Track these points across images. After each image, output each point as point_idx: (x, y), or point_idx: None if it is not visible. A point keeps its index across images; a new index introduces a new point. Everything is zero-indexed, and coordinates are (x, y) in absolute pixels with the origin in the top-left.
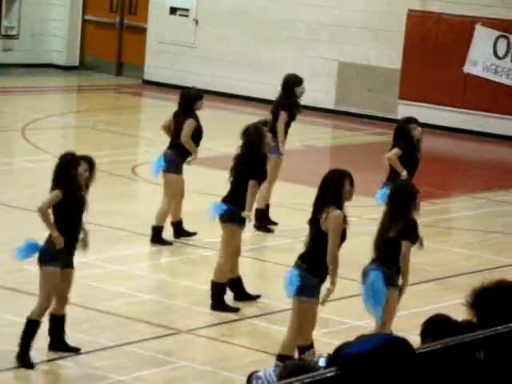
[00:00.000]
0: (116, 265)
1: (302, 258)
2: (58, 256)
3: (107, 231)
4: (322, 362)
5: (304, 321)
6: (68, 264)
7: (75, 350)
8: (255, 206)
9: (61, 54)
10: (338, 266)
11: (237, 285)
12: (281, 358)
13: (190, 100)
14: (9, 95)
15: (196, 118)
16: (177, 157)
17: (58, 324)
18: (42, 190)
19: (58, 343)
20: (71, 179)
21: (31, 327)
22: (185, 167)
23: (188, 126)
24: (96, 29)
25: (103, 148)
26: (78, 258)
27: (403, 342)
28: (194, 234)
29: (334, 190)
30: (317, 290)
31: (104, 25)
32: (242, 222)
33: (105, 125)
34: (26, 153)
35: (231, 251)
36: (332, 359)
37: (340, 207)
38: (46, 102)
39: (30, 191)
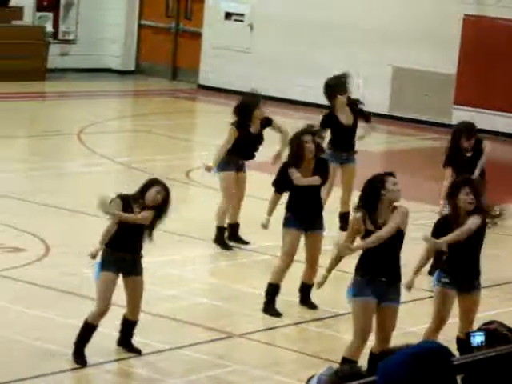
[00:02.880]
0: (170, 268)
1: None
2: (111, 261)
3: (162, 235)
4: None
5: (360, 322)
6: (131, 272)
7: (138, 352)
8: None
9: (117, 59)
10: (370, 245)
11: (304, 290)
12: (343, 361)
13: (247, 109)
14: (65, 99)
15: (244, 127)
16: (228, 155)
17: (127, 327)
18: (93, 194)
19: (126, 342)
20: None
21: (86, 330)
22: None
23: (227, 135)
24: (152, 34)
25: (158, 152)
26: None
27: (440, 355)
28: (247, 243)
29: (371, 193)
30: (367, 289)
31: (160, 30)
32: (292, 225)
33: (160, 129)
34: (82, 157)
35: (287, 253)
36: (372, 366)
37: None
38: (102, 107)
39: (85, 195)
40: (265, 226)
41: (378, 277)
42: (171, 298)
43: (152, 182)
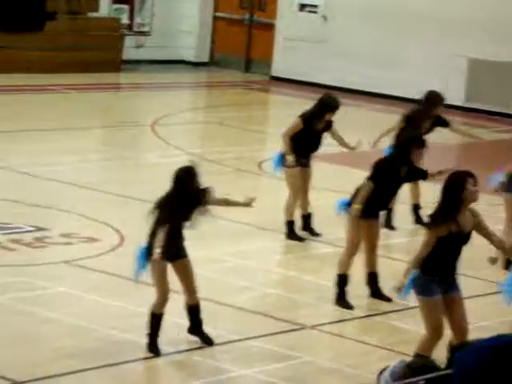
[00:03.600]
0: (241, 259)
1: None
2: (164, 251)
3: (233, 226)
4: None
5: (432, 320)
6: (178, 255)
7: (210, 343)
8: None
9: (191, 51)
10: None
11: (372, 281)
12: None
13: (323, 108)
14: (140, 91)
15: (311, 124)
16: (294, 151)
17: (192, 313)
18: (167, 185)
19: (197, 330)
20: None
21: (153, 320)
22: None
23: (292, 123)
24: (226, 25)
25: (230, 144)
26: (204, 252)
27: None
28: (318, 235)
29: (453, 195)
30: (435, 288)
31: (234, 21)
32: (363, 215)
33: (232, 121)
34: (156, 148)
35: (351, 242)
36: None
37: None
38: (176, 98)
39: (159, 186)
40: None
41: (447, 277)
42: (242, 289)
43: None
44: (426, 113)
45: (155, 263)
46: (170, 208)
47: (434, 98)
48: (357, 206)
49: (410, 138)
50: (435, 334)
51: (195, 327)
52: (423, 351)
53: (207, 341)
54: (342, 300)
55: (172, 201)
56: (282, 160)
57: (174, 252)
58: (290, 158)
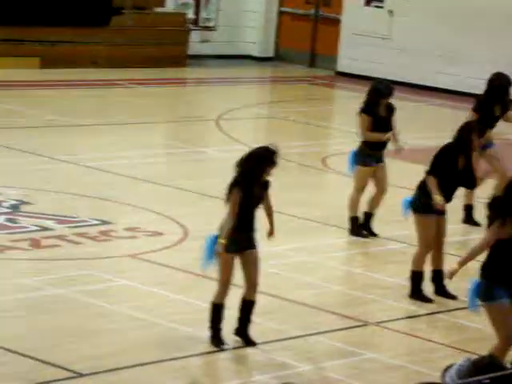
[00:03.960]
0: (305, 255)
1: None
2: (231, 242)
3: (297, 221)
4: None
5: (502, 326)
6: (247, 246)
7: (251, 344)
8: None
9: (256, 46)
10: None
11: (437, 278)
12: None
13: (376, 95)
14: (204, 86)
15: (374, 113)
16: (362, 148)
17: (245, 308)
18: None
19: (242, 330)
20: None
21: (214, 311)
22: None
23: (360, 123)
24: (291, 20)
25: (294, 139)
26: (268, 247)
27: None
28: (375, 235)
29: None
30: (502, 293)
31: (299, 16)
32: (427, 211)
33: (297, 116)
34: (220, 143)
35: (423, 240)
36: None
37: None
38: (241, 93)
39: (223, 181)
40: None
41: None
42: (306, 285)
43: None
44: (494, 97)
45: (220, 254)
46: (242, 181)
47: (500, 79)
48: (439, 198)
49: (468, 125)
50: (507, 342)
51: (242, 325)
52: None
53: (250, 343)
54: (418, 293)
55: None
56: (355, 158)
57: (244, 243)
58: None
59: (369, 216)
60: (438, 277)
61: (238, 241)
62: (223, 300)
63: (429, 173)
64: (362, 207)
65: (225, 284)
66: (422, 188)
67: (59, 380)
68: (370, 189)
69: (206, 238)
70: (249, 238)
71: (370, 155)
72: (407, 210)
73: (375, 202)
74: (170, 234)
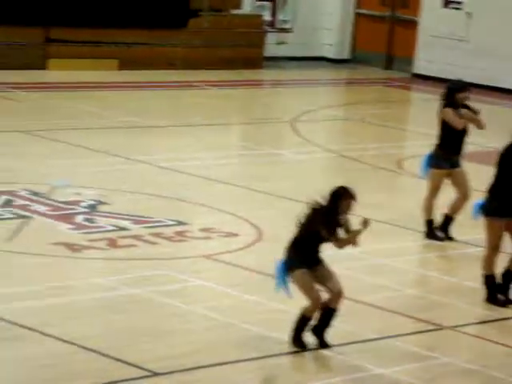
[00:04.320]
0: (380, 258)
1: None
2: (301, 260)
3: (372, 224)
4: None
5: None
6: (316, 261)
7: (326, 346)
8: None
9: (332, 48)
10: None
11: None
12: None
13: (451, 91)
14: (280, 87)
15: (454, 106)
16: (437, 151)
17: (326, 314)
18: (305, 181)
19: (320, 331)
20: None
21: (301, 321)
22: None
23: (446, 116)
24: (367, 22)
25: (370, 141)
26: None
27: None
28: (451, 239)
29: None
30: None
31: (375, 18)
32: (496, 213)
33: (372, 118)
34: (295, 144)
35: (491, 243)
36: None
37: None
38: (316, 95)
39: (298, 182)
40: None
41: None
42: (381, 288)
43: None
44: None
45: (298, 276)
46: (321, 222)
47: None
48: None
49: None
50: None
51: (320, 327)
52: None
53: (325, 345)
54: (493, 299)
55: (324, 214)
56: (429, 161)
57: (313, 259)
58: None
59: (449, 219)
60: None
61: (309, 257)
62: (313, 314)
63: (496, 174)
64: (440, 209)
65: (315, 300)
66: (492, 191)
67: (134, 379)
68: (452, 192)
69: (276, 263)
70: (318, 253)
71: (444, 159)
72: (477, 213)
73: (457, 206)
74: (244, 235)
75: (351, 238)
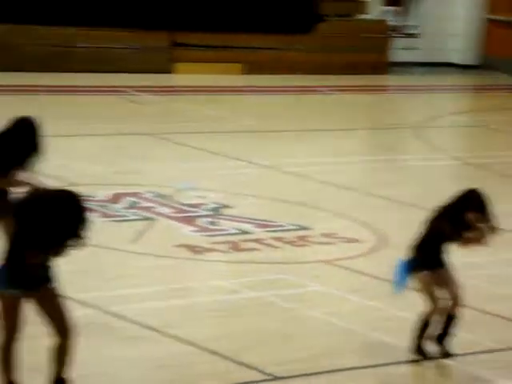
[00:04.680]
0: (505, 266)
1: None
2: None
3: (500, 233)
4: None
5: None
6: (438, 264)
7: (447, 355)
8: None
9: (460, 53)
10: None
11: None
12: None
13: None
14: (406, 93)
15: None
16: None
17: (446, 322)
18: (429, 188)
19: (440, 341)
20: None
21: (422, 328)
22: None
23: None
24: (496, 28)
25: (496, 148)
26: (467, 258)
27: None
28: None
29: None
30: None
31: (505, 24)
32: None
33: (500, 125)
34: (420, 150)
35: None
36: None
37: None
38: (442, 101)
39: (421, 189)
40: None
41: None
42: (506, 297)
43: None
44: None
45: (420, 277)
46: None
47: None
48: None
49: None
50: None
51: (441, 335)
52: None
53: (445, 354)
54: None
55: (450, 212)
56: None
57: (437, 260)
58: None
59: None
60: None
61: (431, 258)
62: (431, 318)
63: None
64: None
65: (434, 302)
66: None
67: (255, 382)
68: None
69: (396, 261)
70: (440, 255)
71: None
72: None
73: None
74: (366, 241)
75: (478, 236)
